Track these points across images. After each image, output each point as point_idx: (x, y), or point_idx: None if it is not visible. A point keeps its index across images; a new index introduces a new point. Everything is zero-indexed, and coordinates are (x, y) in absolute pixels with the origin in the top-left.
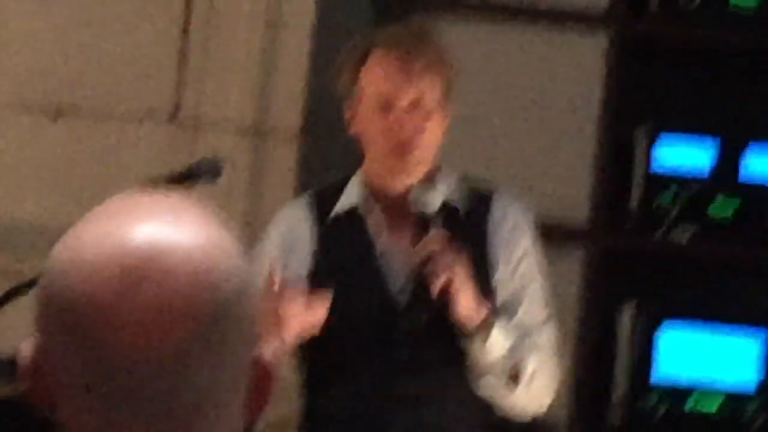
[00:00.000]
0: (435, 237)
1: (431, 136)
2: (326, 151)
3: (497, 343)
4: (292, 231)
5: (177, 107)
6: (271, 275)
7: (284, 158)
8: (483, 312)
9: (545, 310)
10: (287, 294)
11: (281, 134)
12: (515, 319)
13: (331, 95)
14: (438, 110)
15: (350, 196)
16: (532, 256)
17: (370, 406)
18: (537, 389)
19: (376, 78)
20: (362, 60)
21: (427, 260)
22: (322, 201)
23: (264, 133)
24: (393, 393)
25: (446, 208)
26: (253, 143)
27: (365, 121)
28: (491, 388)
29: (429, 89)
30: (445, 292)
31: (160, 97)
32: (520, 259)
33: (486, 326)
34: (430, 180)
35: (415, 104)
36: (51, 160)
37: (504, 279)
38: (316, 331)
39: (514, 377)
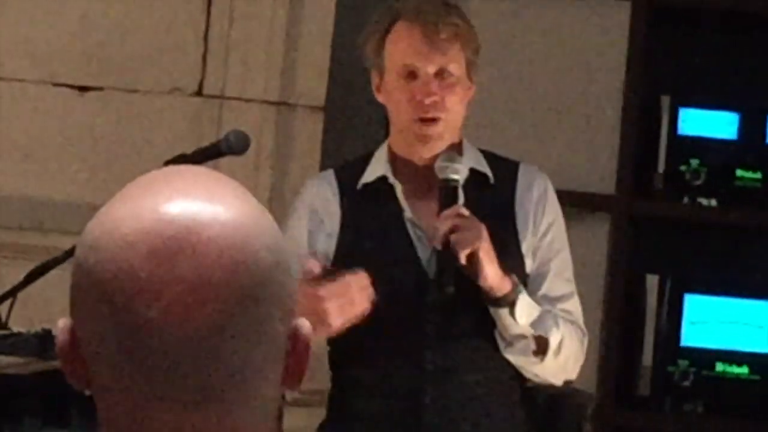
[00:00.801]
0: (459, 206)
1: (456, 106)
2: (351, 123)
3: (524, 313)
4: (320, 204)
5: (202, 81)
6: (311, 268)
7: (310, 131)
8: (508, 282)
9: (569, 284)
10: (328, 286)
11: (306, 107)
12: (541, 291)
13: (354, 68)
14: (462, 81)
15: (377, 167)
16: (557, 229)
17: (400, 377)
18: (565, 358)
19: (401, 48)
20: (388, 29)
21: (452, 230)
22: (346, 175)
23: (289, 106)
24: (424, 363)
25: (475, 175)
26: (278, 116)
27: (391, 90)
28: (519, 357)
29: (453, 60)
30: (471, 261)
31: (186, 72)
32: (545, 231)
33: (512, 296)
34: (453, 151)
35: (439, 74)
36: (78, 136)
37: (530, 251)
38: (359, 321)
39: (541, 347)
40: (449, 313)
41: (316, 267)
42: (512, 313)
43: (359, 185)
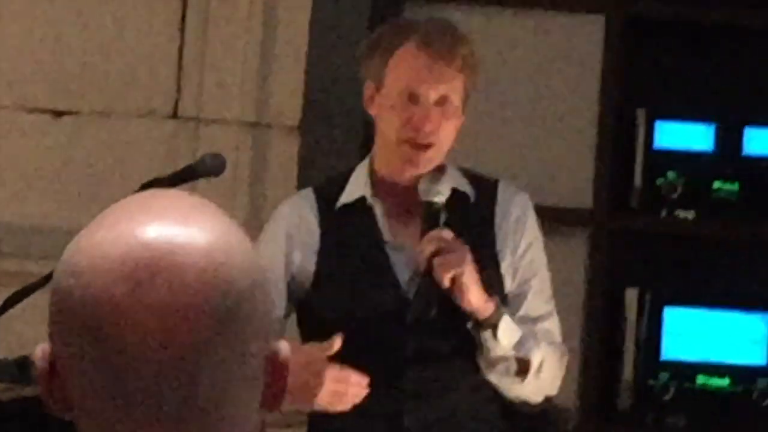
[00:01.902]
0: (443, 229)
1: (449, 134)
2: (327, 143)
3: (506, 335)
4: (298, 224)
5: (177, 103)
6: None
7: (286, 150)
8: (492, 304)
9: (549, 303)
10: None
11: (282, 127)
12: (521, 311)
13: (329, 87)
14: (458, 110)
15: (357, 187)
16: (536, 249)
17: (380, 399)
18: (545, 378)
19: (407, 70)
20: (394, 47)
21: (436, 252)
22: (324, 194)
23: (265, 127)
24: (403, 385)
25: (456, 195)
26: (254, 136)
27: (387, 109)
28: (501, 378)
29: (455, 90)
30: (455, 284)
31: (161, 94)
32: (525, 251)
33: (495, 318)
34: (437, 172)
35: (440, 102)
36: (53, 160)
37: (510, 270)
38: (345, 408)
39: (522, 368)
40: (428, 335)
41: (337, 344)
42: (495, 335)
43: (338, 206)
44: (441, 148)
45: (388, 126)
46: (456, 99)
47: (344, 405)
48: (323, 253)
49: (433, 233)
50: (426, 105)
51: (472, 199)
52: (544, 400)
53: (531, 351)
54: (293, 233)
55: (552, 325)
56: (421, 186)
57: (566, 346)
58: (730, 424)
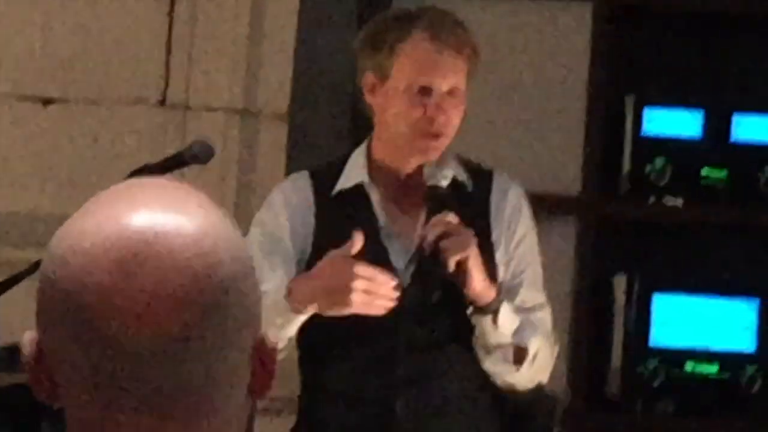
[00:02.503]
0: (448, 213)
1: (458, 123)
2: (315, 131)
3: (506, 321)
4: (297, 204)
5: (166, 91)
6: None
7: (274, 138)
8: (493, 290)
9: (542, 294)
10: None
11: (270, 115)
12: (515, 302)
13: (318, 75)
14: (464, 98)
15: (354, 173)
16: (530, 240)
17: (373, 385)
18: (538, 367)
19: (419, 61)
20: (400, 39)
21: (442, 237)
22: (320, 179)
23: (253, 114)
24: (395, 372)
25: (454, 183)
26: (242, 124)
27: (397, 99)
28: (497, 366)
29: (463, 79)
30: (459, 268)
31: (149, 82)
32: (519, 241)
33: (496, 304)
34: (439, 159)
35: (451, 93)
36: (42, 148)
37: (504, 260)
38: (380, 312)
39: (519, 356)
40: (421, 322)
41: (358, 241)
42: (495, 322)
43: (334, 191)
44: (449, 137)
45: (396, 118)
46: (463, 88)
47: (378, 309)
48: (318, 238)
49: (439, 217)
50: (439, 96)
51: (469, 188)
52: (535, 387)
53: (529, 339)
54: (293, 212)
55: (545, 315)
56: (427, 170)
57: (555, 333)
58: (719, 410)
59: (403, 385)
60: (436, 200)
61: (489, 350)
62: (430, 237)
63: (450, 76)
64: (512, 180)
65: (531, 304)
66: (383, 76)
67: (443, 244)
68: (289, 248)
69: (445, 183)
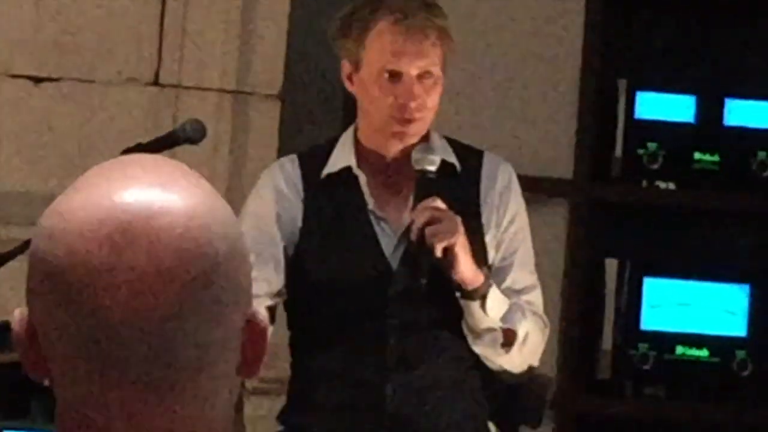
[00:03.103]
0: (435, 199)
1: (433, 106)
2: (308, 111)
3: (494, 306)
4: (285, 188)
5: (158, 71)
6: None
7: (266, 119)
8: (481, 275)
9: (532, 275)
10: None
11: (263, 95)
12: (505, 283)
13: (311, 55)
14: (440, 79)
15: (342, 156)
16: (520, 221)
17: (363, 367)
18: (529, 350)
19: (385, 49)
20: (368, 26)
21: (428, 222)
22: (309, 163)
23: (246, 95)
24: (386, 354)
25: (443, 165)
26: (235, 104)
27: (370, 86)
28: (486, 349)
29: (434, 61)
30: (446, 254)
31: (142, 62)
32: (509, 223)
33: (484, 289)
34: (426, 142)
35: (421, 76)
36: (34, 126)
37: (494, 242)
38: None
39: (508, 339)
40: (411, 305)
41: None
42: (483, 306)
43: (323, 175)
44: (426, 121)
45: (371, 104)
46: (436, 70)
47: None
48: (307, 222)
49: (426, 202)
50: (409, 81)
51: (459, 169)
52: (526, 370)
53: (518, 323)
54: (281, 196)
55: (535, 297)
56: (414, 155)
57: (546, 316)
58: (709, 394)
59: (393, 368)
60: (424, 185)
61: (478, 334)
62: (417, 223)
63: (418, 60)
64: (503, 161)
65: (521, 286)
66: (356, 64)
67: (429, 230)
68: (276, 237)
69: (432, 168)
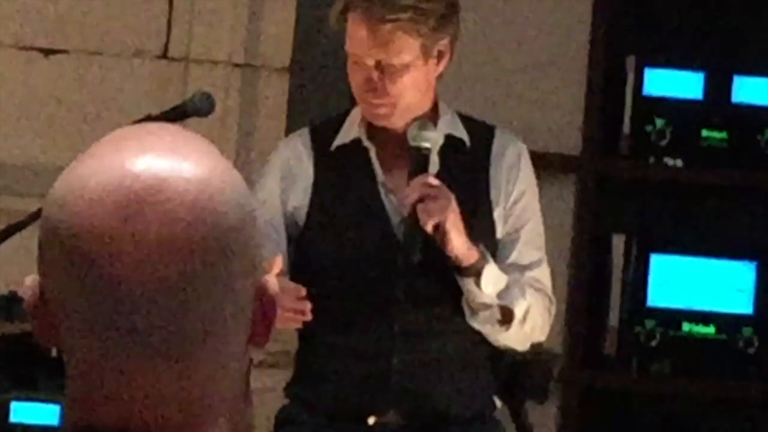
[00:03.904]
0: (428, 175)
1: (405, 91)
2: (316, 85)
3: (489, 283)
4: (293, 163)
5: (167, 44)
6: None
7: (275, 92)
8: (475, 251)
9: (539, 251)
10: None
11: (272, 68)
12: (510, 258)
13: (320, 29)
14: (415, 66)
15: (352, 129)
16: (529, 197)
17: (368, 340)
18: (531, 327)
19: (350, 36)
20: (344, 12)
21: (420, 199)
22: (320, 135)
23: (255, 68)
24: (392, 326)
25: (451, 140)
26: (243, 78)
27: (348, 66)
28: (484, 325)
29: (396, 52)
30: (437, 231)
31: (151, 34)
32: (517, 198)
33: (478, 265)
34: (428, 118)
35: (378, 65)
36: (43, 98)
37: (501, 217)
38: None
39: (506, 317)
40: (418, 278)
41: (279, 266)
42: (478, 283)
43: (333, 147)
44: (401, 104)
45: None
46: (404, 58)
47: (286, 322)
48: (317, 193)
49: (418, 179)
50: (366, 70)
51: (468, 144)
52: (531, 346)
53: (516, 300)
54: (288, 173)
55: (541, 274)
56: (410, 132)
57: (553, 292)
58: (715, 371)
59: (399, 340)
60: (418, 162)
61: (474, 310)
62: (409, 199)
63: (374, 51)
64: (514, 138)
65: (527, 261)
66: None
67: (420, 207)
68: (278, 213)
69: (427, 144)
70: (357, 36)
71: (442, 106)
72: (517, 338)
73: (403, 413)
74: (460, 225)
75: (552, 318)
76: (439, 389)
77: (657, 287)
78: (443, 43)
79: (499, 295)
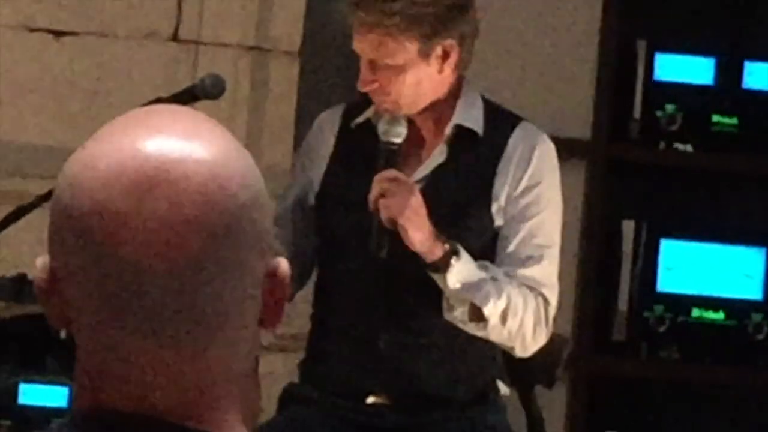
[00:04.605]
0: (392, 171)
1: (404, 88)
2: (327, 68)
3: (457, 280)
4: (318, 135)
5: (178, 26)
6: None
7: (285, 75)
8: (440, 248)
9: (542, 248)
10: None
11: (282, 52)
12: (508, 250)
13: (330, 12)
14: (413, 66)
15: (372, 109)
16: (540, 191)
17: (360, 321)
18: (516, 328)
19: (353, 28)
20: (351, 13)
21: (382, 194)
22: (352, 112)
23: (265, 51)
24: (380, 308)
25: (462, 131)
26: (254, 61)
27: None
28: (456, 322)
29: (389, 54)
30: (395, 225)
31: (161, 17)
32: (524, 191)
33: (442, 262)
34: (447, 106)
35: (373, 66)
36: (54, 80)
37: (502, 208)
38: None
39: (477, 316)
40: (410, 261)
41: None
42: (443, 280)
43: (353, 124)
44: (404, 100)
45: None
46: (398, 59)
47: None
48: (330, 169)
49: (382, 174)
50: (364, 67)
51: (481, 135)
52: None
53: (486, 299)
54: (313, 148)
55: (537, 272)
56: (381, 126)
57: (561, 280)
58: (724, 357)
59: (384, 323)
60: (387, 156)
61: (447, 307)
62: (371, 194)
63: (369, 51)
64: (537, 132)
65: (523, 256)
66: None
67: (381, 202)
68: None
69: (398, 140)
70: (357, 35)
71: (465, 94)
72: (500, 337)
73: (394, 394)
74: (420, 222)
75: (549, 321)
76: (427, 371)
77: (666, 273)
78: (447, 43)
79: (468, 293)
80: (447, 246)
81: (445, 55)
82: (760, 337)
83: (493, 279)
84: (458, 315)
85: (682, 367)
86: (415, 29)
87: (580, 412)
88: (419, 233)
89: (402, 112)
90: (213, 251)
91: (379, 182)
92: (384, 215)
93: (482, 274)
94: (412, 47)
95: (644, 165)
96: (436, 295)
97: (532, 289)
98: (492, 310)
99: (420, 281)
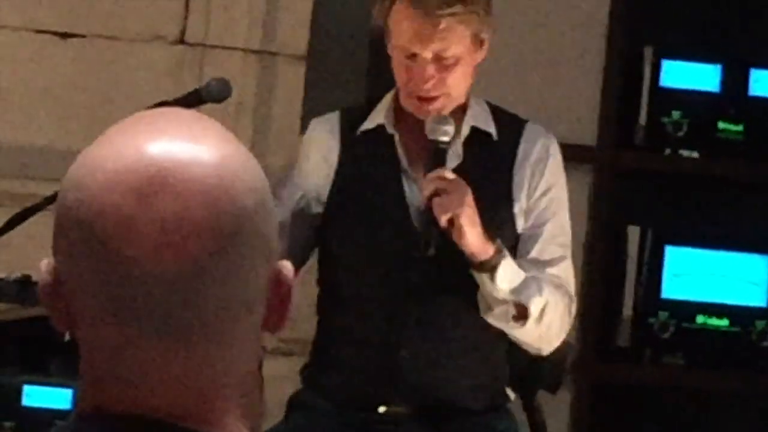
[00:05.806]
0: (444, 169)
1: (457, 82)
2: (333, 73)
3: (505, 279)
4: (318, 142)
5: (184, 29)
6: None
7: (291, 79)
8: (491, 247)
9: (562, 249)
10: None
11: (288, 56)
12: (531, 254)
13: (337, 17)
14: (466, 56)
15: (379, 115)
16: (555, 193)
17: (380, 329)
18: (547, 325)
19: (401, 29)
20: (388, 5)
21: (435, 193)
22: (350, 119)
23: (271, 55)
24: (404, 317)
25: (477, 133)
26: (260, 64)
27: (394, 60)
28: (499, 322)
29: (452, 44)
30: (452, 225)
31: (168, 19)
32: (542, 194)
33: (494, 261)
34: (459, 108)
35: (436, 58)
36: (60, 82)
37: (522, 212)
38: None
39: (521, 313)
40: (433, 269)
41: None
42: (493, 279)
43: (359, 131)
44: (449, 97)
45: (398, 78)
46: (456, 50)
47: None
48: (339, 177)
49: (434, 173)
50: (423, 64)
51: (495, 137)
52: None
53: (532, 297)
54: (314, 155)
55: (561, 271)
56: (428, 125)
57: (574, 296)
58: (728, 363)
59: (410, 331)
60: (436, 156)
61: (489, 306)
62: (424, 193)
63: (433, 43)
64: (545, 132)
65: (547, 258)
66: (389, 37)
67: (435, 201)
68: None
69: (445, 138)
70: (410, 29)
71: (472, 97)
72: (532, 336)
73: (413, 404)
74: (476, 220)
75: (572, 318)
76: (450, 381)
77: (671, 279)
78: (489, 31)
79: (515, 292)
80: (497, 245)
81: (482, 45)
82: (765, 343)
83: (534, 277)
84: (498, 313)
85: (687, 373)
86: (474, 14)
87: (584, 417)
88: (475, 231)
89: (450, 108)
90: (218, 254)
91: (433, 181)
92: (439, 213)
93: (523, 273)
94: (468, 35)
95: (650, 171)
96: (461, 303)
97: (559, 286)
98: (535, 308)
99: (445, 290)
